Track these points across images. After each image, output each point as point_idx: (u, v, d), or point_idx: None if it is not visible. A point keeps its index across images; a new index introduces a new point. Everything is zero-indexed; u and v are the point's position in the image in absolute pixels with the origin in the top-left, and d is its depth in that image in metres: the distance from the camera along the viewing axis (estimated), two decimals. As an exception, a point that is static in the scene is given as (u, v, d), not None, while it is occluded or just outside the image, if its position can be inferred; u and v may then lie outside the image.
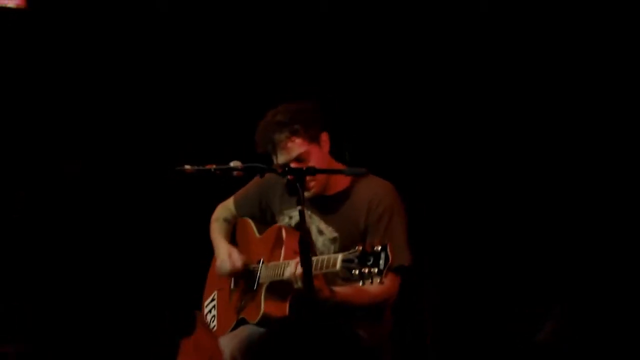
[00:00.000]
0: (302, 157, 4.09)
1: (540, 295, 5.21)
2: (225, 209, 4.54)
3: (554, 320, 5.11)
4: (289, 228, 4.23)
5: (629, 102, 5.12)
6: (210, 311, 4.48)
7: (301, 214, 3.70)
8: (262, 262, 4.24)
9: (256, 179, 4.36)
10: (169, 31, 5.67)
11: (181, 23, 5.65)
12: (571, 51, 5.20)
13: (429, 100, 5.44)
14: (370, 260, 3.63)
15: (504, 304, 5.28)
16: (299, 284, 3.89)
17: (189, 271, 4.91)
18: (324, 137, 4.18)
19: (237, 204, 4.50)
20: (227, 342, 4.17)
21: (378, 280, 3.62)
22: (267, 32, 5.60)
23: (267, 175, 4.02)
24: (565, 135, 5.23)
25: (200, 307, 4.55)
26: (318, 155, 4.13)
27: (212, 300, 4.50)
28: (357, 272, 3.64)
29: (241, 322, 4.24)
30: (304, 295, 3.78)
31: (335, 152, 4.26)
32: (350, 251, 3.71)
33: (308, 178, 4.04)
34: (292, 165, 4.04)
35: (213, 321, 4.45)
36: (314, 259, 3.82)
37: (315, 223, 4.23)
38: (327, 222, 4.22)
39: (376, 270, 3.61)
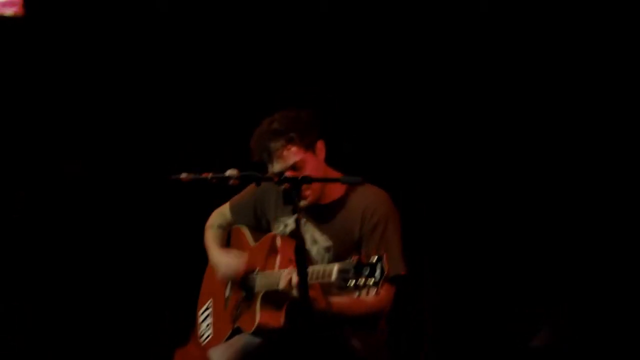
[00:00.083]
0: (298, 165, 4.08)
1: (540, 296, 5.20)
2: (221, 215, 4.53)
3: (550, 325, 5.10)
4: (283, 236, 4.22)
5: (629, 102, 5.10)
6: (205, 319, 4.47)
7: (297, 222, 3.70)
8: (258, 271, 4.23)
9: (252, 185, 4.35)
10: (168, 34, 5.66)
11: (180, 26, 5.64)
12: (571, 51, 5.17)
13: (429, 101, 5.42)
14: (366, 271, 3.61)
15: (503, 304, 5.27)
16: (295, 293, 3.88)
17: (184, 277, 4.91)
18: (320, 145, 4.16)
19: (233, 210, 4.49)
20: (222, 352, 4.17)
21: (374, 291, 3.61)
22: (265, 35, 5.58)
23: (263, 183, 4.02)
24: (565, 135, 5.21)
25: (194, 314, 4.54)
26: (314, 163, 4.11)
27: (207, 308, 4.49)
28: (352, 282, 3.62)
29: (236, 331, 4.23)
30: (299, 304, 3.78)
31: (335, 152, 4.25)
32: (346, 261, 3.69)
33: (304, 187, 4.03)
34: (288, 173, 4.03)
35: (208, 329, 4.43)
36: (310, 268, 3.80)
37: (310, 231, 4.22)
38: (321, 230, 4.21)
39: (372, 281, 3.60)
